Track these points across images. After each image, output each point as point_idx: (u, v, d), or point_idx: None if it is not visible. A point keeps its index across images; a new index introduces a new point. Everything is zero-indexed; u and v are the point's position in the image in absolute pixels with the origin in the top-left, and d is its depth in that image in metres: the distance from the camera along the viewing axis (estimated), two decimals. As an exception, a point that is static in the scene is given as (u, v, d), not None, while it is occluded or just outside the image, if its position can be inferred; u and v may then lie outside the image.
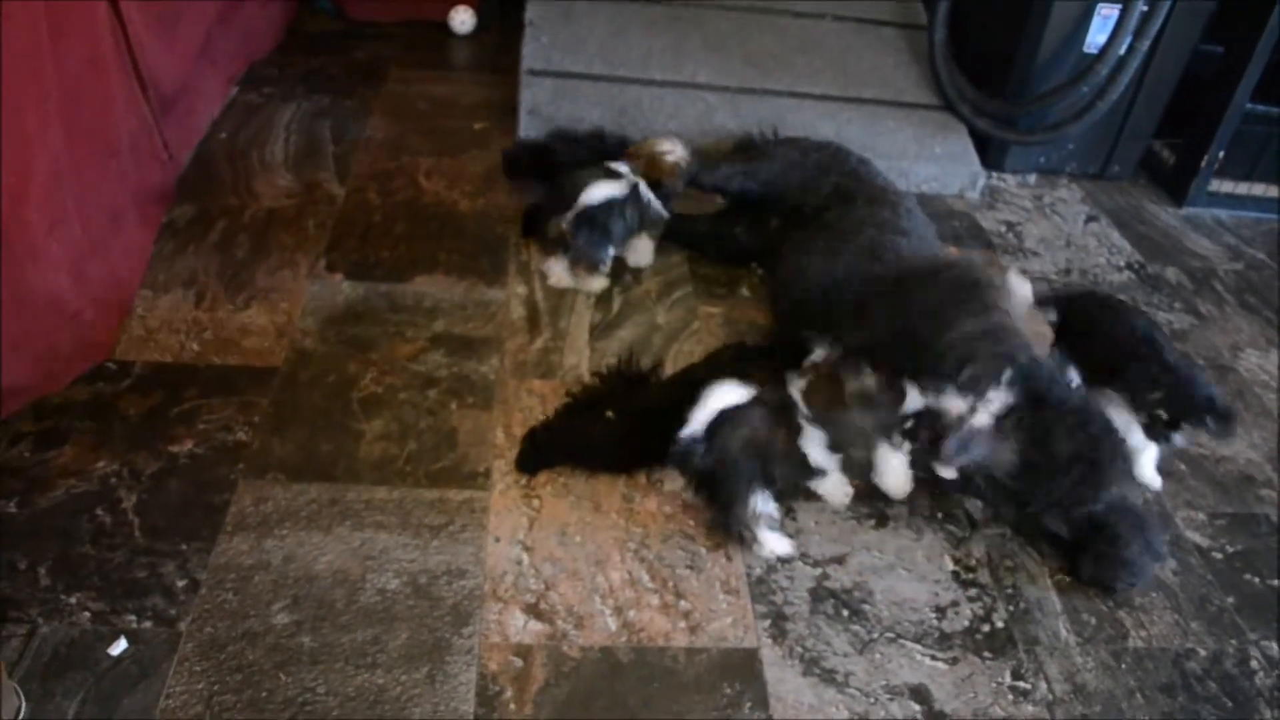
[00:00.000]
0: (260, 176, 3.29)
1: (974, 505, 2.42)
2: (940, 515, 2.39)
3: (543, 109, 3.59)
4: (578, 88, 3.70)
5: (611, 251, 2.88)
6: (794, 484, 2.33)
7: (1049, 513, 2.29)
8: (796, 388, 2.21)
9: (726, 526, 2.19)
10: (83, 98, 2.48)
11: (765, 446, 2.17)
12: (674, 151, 2.83)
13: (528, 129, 3.51)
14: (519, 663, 1.92)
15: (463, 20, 4.51)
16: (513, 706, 1.85)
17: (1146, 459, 2.50)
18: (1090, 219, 3.79)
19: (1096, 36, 3.67)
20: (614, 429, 2.37)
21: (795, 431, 2.21)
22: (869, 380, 2.17)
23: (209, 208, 3.09)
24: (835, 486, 2.35)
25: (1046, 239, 3.60)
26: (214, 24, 3.53)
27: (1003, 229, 3.62)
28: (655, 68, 3.83)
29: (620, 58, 3.84)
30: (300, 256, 2.93)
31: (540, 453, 2.35)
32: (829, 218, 2.86)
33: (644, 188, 2.82)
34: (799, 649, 2.03)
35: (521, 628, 1.98)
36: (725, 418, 2.13)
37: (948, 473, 2.24)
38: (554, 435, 2.39)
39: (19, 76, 2.13)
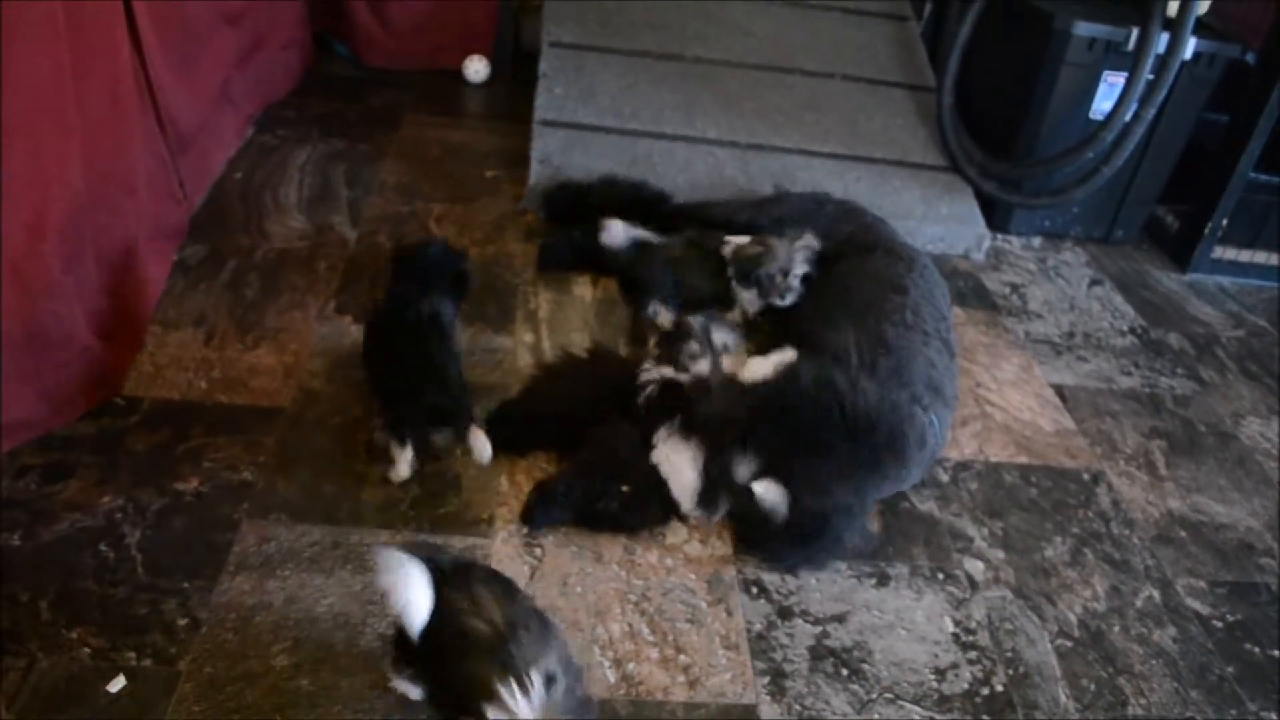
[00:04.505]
0: (273, 217, 3.32)
1: (975, 566, 2.42)
2: (941, 576, 2.39)
3: (554, 158, 3.63)
4: (590, 139, 3.74)
5: None
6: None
7: None
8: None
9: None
10: (103, 136, 2.51)
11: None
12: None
13: (538, 178, 3.55)
14: (517, 712, 1.91)
15: (477, 69, 4.58)
16: (510, 757, 1.84)
17: None
18: (1094, 283, 3.82)
19: (1102, 103, 3.73)
20: (628, 498, 2.34)
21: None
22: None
23: (221, 247, 3.12)
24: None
25: (1050, 302, 3.63)
26: (233, 66, 3.59)
27: (1007, 290, 3.65)
28: (666, 122, 3.88)
29: (632, 111, 3.89)
30: (310, 298, 2.95)
31: (547, 510, 2.32)
32: (841, 269, 2.92)
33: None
34: (797, 707, 2.02)
35: (520, 677, 1.97)
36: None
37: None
38: (568, 497, 2.32)
39: (43, 115, 2.17)
